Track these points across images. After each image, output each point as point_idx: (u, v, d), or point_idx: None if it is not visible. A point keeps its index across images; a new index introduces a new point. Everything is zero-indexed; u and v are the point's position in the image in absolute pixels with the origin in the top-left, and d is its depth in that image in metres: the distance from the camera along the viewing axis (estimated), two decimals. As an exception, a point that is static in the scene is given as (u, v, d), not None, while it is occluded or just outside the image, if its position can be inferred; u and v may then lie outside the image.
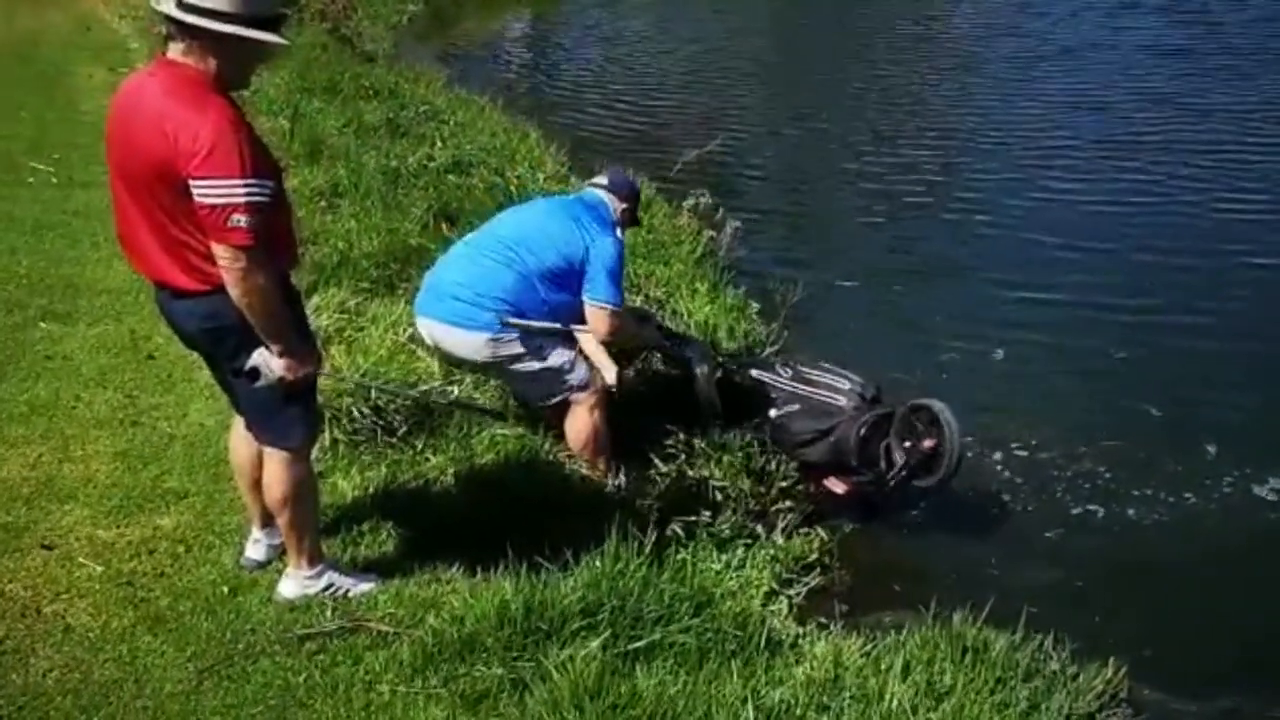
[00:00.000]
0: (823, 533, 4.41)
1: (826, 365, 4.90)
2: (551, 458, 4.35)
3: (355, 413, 4.22)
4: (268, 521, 3.45)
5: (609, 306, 4.22)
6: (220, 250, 2.76)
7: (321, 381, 4.22)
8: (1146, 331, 6.20)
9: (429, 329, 4.23)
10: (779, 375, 4.81)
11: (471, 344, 4.09)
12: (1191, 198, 8.08)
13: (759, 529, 4.39)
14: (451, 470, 4.10)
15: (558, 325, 4.18)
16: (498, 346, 4.08)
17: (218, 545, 3.59)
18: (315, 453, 3.99)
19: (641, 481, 4.37)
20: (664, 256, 6.58)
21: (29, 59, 9.44)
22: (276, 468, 3.20)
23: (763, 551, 4.22)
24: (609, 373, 4.33)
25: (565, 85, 12.23)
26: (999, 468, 5.01)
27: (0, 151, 6.84)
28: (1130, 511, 4.71)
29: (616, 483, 4.33)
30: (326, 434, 4.13)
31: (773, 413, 4.70)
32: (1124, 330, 6.20)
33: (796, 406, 4.68)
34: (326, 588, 3.37)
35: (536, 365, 4.15)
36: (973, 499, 4.82)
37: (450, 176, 7.21)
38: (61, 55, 10.05)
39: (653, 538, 3.98)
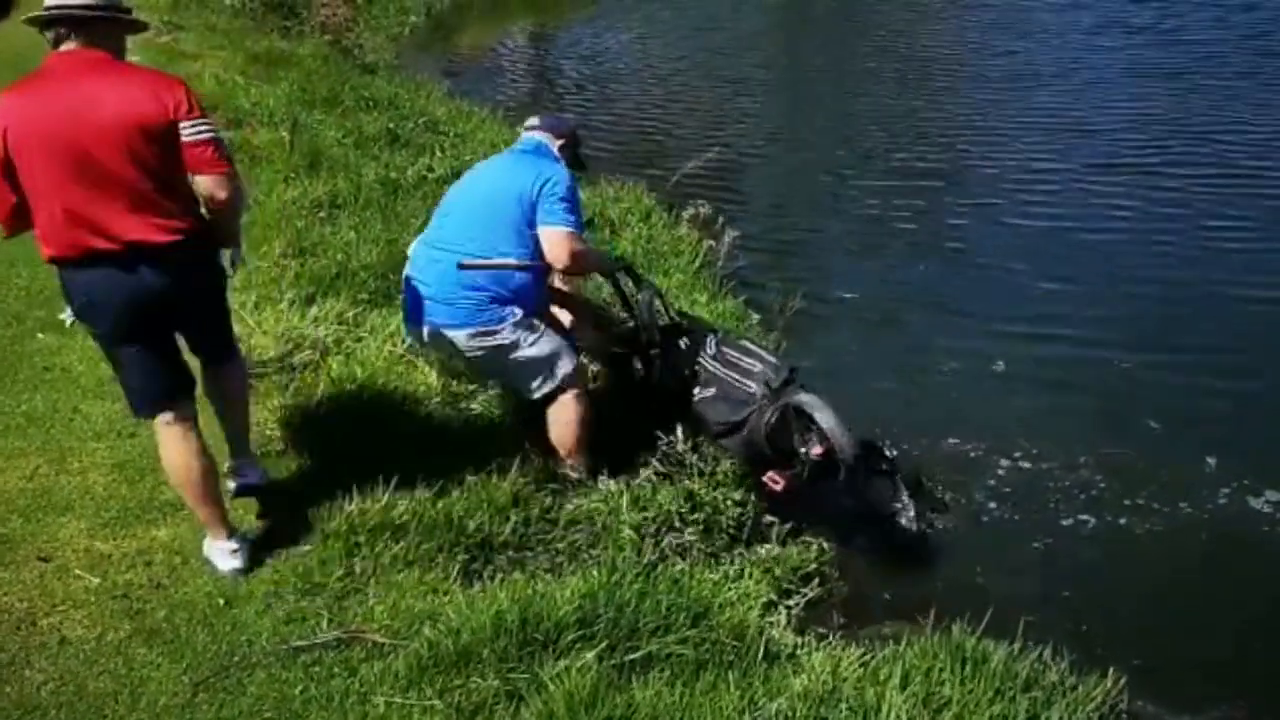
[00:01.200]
0: (820, 542, 4.40)
1: (747, 343, 4.65)
2: (547, 469, 4.33)
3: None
4: (233, 528, 3.62)
5: (564, 228, 4.06)
6: (212, 178, 3.29)
7: (321, 391, 4.28)
8: (1144, 345, 6.17)
9: (417, 336, 4.27)
10: (705, 350, 4.54)
11: (461, 341, 4.10)
12: (1188, 217, 8.01)
13: (753, 537, 4.39)
14: (448, 480, 4.07)
15: (520, 261, 4.06)
16: (485, 339, 4.07)
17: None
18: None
19: (636, 491, 4.35)
20: (663, 266, 6.58)
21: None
22: (231, 374, 3.80)
23: (760, 563, 4.21)
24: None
25: (565, 96, 12.25)
26: (997, 479, 5.00)
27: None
28: (1128, 523, 4.70)
29: (604, 483, 4.30)
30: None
31: (695, 394, 4.45)
32: (1122, 344, 6.18)
33: (713, 391, 4.40)
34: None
35: (530, 353, 4.13)
36: (971, 510, 4.82)
37: (449, 187, 7.21)
38: (63, 68, 10.06)
39: (649, 548, 4.01)
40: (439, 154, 8.03)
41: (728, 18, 15.97)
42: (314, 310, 5.17)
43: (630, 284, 4.73)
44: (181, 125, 3.21)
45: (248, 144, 7.67)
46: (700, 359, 4.52)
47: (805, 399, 4.21)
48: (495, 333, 4.08)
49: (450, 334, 4.11)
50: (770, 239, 7.95)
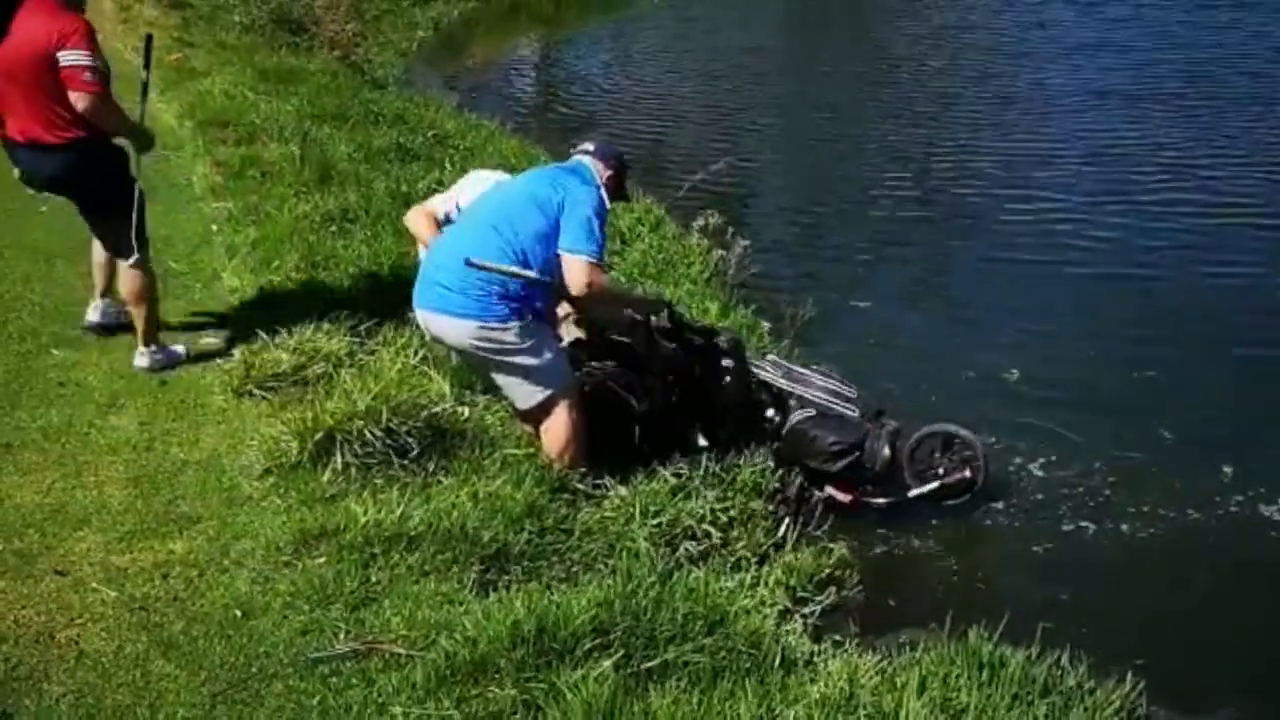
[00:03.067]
0: (835, 547, 4.40)
1: (816, 366, 4.89)
2: (561, 479, 4.33)
3: (368, 435, 4.21)
4: (106, 293, 5.12)
5: (584, 256, 4.01)
6: (75, 94, 4.37)
7: (334, 405, 4.29)
8: (1159, 356, 6.13)
9: (424, 320, 4.28)
10: (772, 373, 4.74)
11: (464, 330, 4.10)
12: (1208, 229, 7.97)
13: (768, 544, 4.39)
14: (463, 491, 4.08)
15: (529, 272, 4.04)
16: (491, 333, 4.07)
17: (230, 570, 3.59)
18: (327, 476, 4.06)
19: (649, 500, 4.35)
20: (673, 276, 6.60)
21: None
22: (127, 276, 4.81)
23: (776, 569, 4.21)
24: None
25: (574, 108, 12.30)
26: (1012, 486, 4.99)
27: (14, 181, 6.86)
28: (1144, 530, 4.68)
29: (617, 492, 4.30)
30: (338, 457, 4.13)
31: (794, 418, 4.63)
32: (1137, 354, 6.16)
33: (813, 413, 4.64)
34: (158, 355, 4.90)
35: (531, 360, 4.15)
36: (988, 516, 4.80)
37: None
38: (74, 86, 10.13)
39: (664, 557, 4.01)
40: (449, 167, 8.07)
41: (737, 30, 16.00)
42: (326, 323, 5.17)
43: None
44: (60, 54, 4.32)
45: (259, 159, 7.70)
46: (768, 379, 4.70)
47: (957, 429, 4.76)
48: (502, 330, 4.08)
49: (457, 324, 4.11)
50: (781, 248, 7.96)
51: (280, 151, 7.90)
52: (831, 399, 4.71)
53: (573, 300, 4.36)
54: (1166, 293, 6.96)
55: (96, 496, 3.96)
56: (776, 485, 4.66)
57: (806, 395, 4.71)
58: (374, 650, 3.23)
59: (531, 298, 4.14)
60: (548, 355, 4.20)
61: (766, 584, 4.11)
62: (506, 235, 4.09)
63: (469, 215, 4.40)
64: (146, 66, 4.94)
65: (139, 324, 4.90)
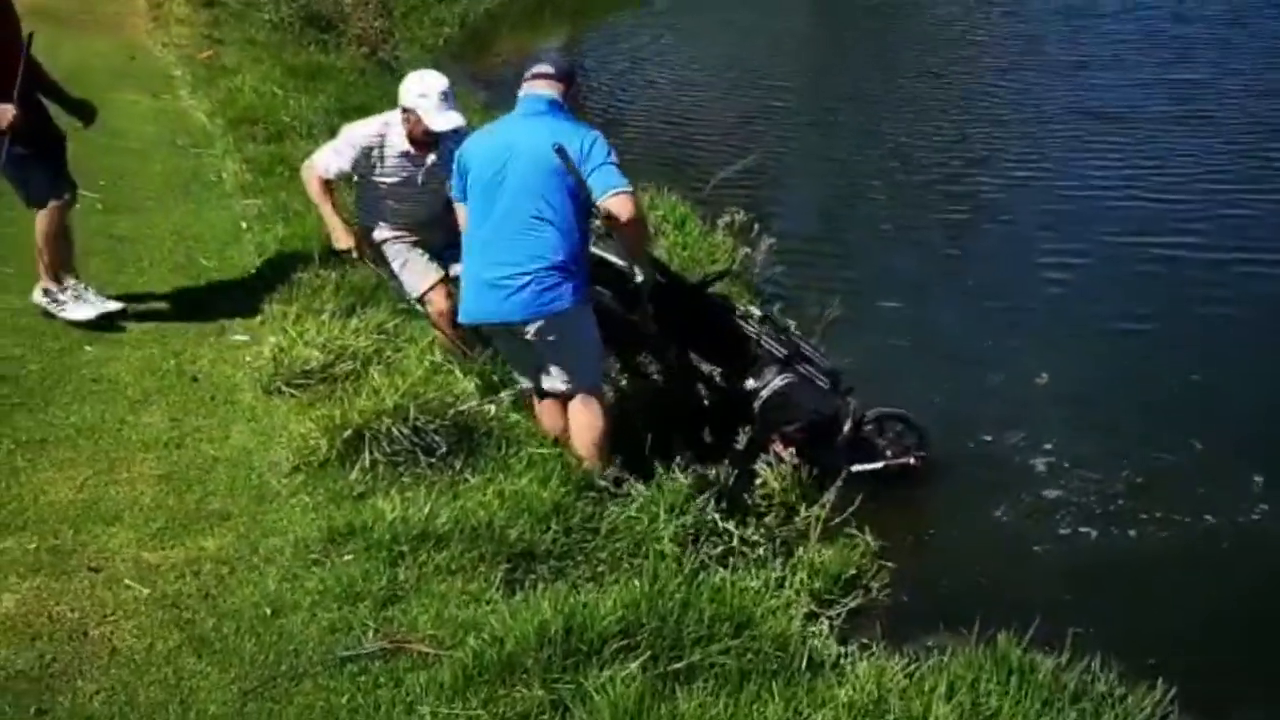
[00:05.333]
0: (859, 545, 4.40)
1: (795, 332, 4.94)
2: (586, 477, 4.34)
3: (395, 433, 4.23)
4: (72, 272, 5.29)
5: (626, 190, 4.09)
6: None
7: (362, 403, 4.31)
8: (1192, 363, 6.04)
9: (494, 330, 4.35)
10: (751, 326, 4.73)
11: (548, 328, 4.16)
12: (1248, 236, 7.80)
13: (793, 541, 4.40)
14: (490, 490, 4.10)
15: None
16: (566, 319, 4.16)
17: (261, 567, 3.62)
18: (355, 474, 4.08)
19: (674, 498, 4.35)
20: (699, 273, 6.58)
21: (75, 86, 9.52)
22: (39, 220, 5.06)
23: (801, 570, 4.20)
24: None
25: (599, 105, 12.26)
26: (1041, 490, 4.97)
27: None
28: (1175, 536, 4.65)
29: (642, 489, 4.32)
30: (366, 455, 4.15)
31: (777, 381, 4.63)
32: (1170, 361, 6.08)
33: (794, 379, 4.65)
34: (52, 299, 5.18)
35: (588, 337, 4.26)
36: (1017, 518, 4.79)
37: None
38: (107, 83, 10.18)
39: (690, 556, 4.01)
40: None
41: (764, 25, 15.93)
42: (354, 321, 5.21)
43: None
44: None
45: (288, 156, 7.74)
46: (767, 346, 4.66)
47: (907, 415, 4.99)
48: (576, 311, 4.17)
49: (539, 324, 4.15)
50: (807, 246, 7.92)
51: (309, 148, 7.92)
52: (807, 366, 4.72)
53: (624, 234, 4.28)
54: (1202, 297, 6.85)
55: (129, 493, 3.99)
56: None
57: (786, 358, 4.70)
58: (402, 649, 3.25)
59: (583, 265, 4.21)
60: (595, 334, 4.30)
61: (792, 584, 4.11)
62: (549, 216, 4.10)
63: (500, 207, 4.17)
64: (23, 64, 4.80)
65: (41, 261, 5.13)
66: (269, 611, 3.41)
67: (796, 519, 4.53)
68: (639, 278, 4.45)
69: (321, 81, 10.11)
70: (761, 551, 4.26)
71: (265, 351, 4.94)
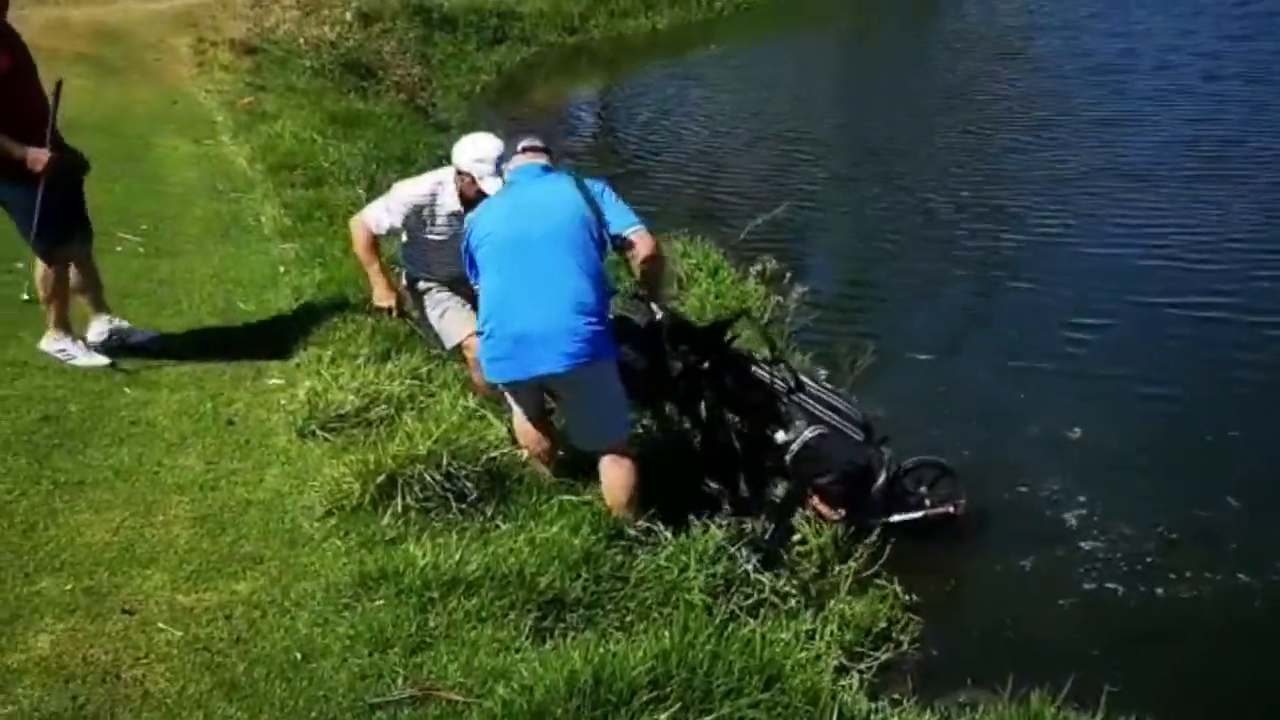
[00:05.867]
0: (890, 597, 4.37)
1: (824, 383, 4.95)
2: (617, 524, 4.34)
3: (428, 478, 4.26)
4: (100, 309, 5.57)
5: (642, 227, 4.30)
6: None
7: (395, 448, 4.34)
8: (1228, 418, 5.94)
9: (524, 385, 4.29)
10: (781, 379, 4.70)
11: (588, 377, 4.16)
12: None
13: (823, 592, 4.38)
14: (521, 537, 4.11)
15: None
16: (606, 368, 4.19)
17: (292, 611, 3.64)
18: (387, 519, 4.11)
19: (704, 547, 4.34)
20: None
21: (118, 133, 9.83)
22: (37, 267, 5.17)
23: (832, 621, 4.18)
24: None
25: (633, 153, 12.40)
26: (1076, 542, 4.91)
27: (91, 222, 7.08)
28: (1212, 593, 4.57)
29: (672, 539, 4.31)
30: (399, 500, 4.18)
31: (808, 433, 4.59)
32: (1206, 416, 5.99)
33: (825, 431, 4.61)
34: (61, 350, 5.28)
35: (618, 389, 4.27)
36: (1049, 572, 4.73)
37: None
38: (149, 128, 10.45)
39: (722, 606, 4.00)
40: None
41: (793, 77, 16.09)
42: (389, 366, 5.27)
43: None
44: None
45: (326, 202, 7.87)
46: (790, 398, 4.63)
47: (945, 463, 4.97)
48: (606, 357, 4.18)
49: (576, 371, 4.12)
50: (839, 294, 7.93)
51: (347, 194, 8.08)
52: (838, 418, 4.69)
53: (647, 267, 4.41)
54: (1233, 357, 6.72)
55: (164, 535, 4.03)
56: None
57: (818, 412, 4.67)
58: (431, 696, 3.25)
59: (607, 295, 4.26)
60: (621, 388, 4.31)
61: (822, 636, 4.08)
62: (584, 266, 4.14)
63: (524, 262, 4.18)
64: (54, 107, 4.95)
65: (49, 312, 5.28)
66: (300, 657, 3.42)
67: (829, 572, 4.50)
68: (658, 314, 4.51)
69: (360, 128, 10.29)
70: (792, 603, 4.24)
71: (300, 395, 4.99)
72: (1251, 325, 7.15)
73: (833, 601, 4.33)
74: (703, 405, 4.71)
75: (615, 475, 4.33)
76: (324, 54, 13.36)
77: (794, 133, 12.56)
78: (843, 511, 4.70)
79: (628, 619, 3.83)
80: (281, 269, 6.83)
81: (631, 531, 4.31)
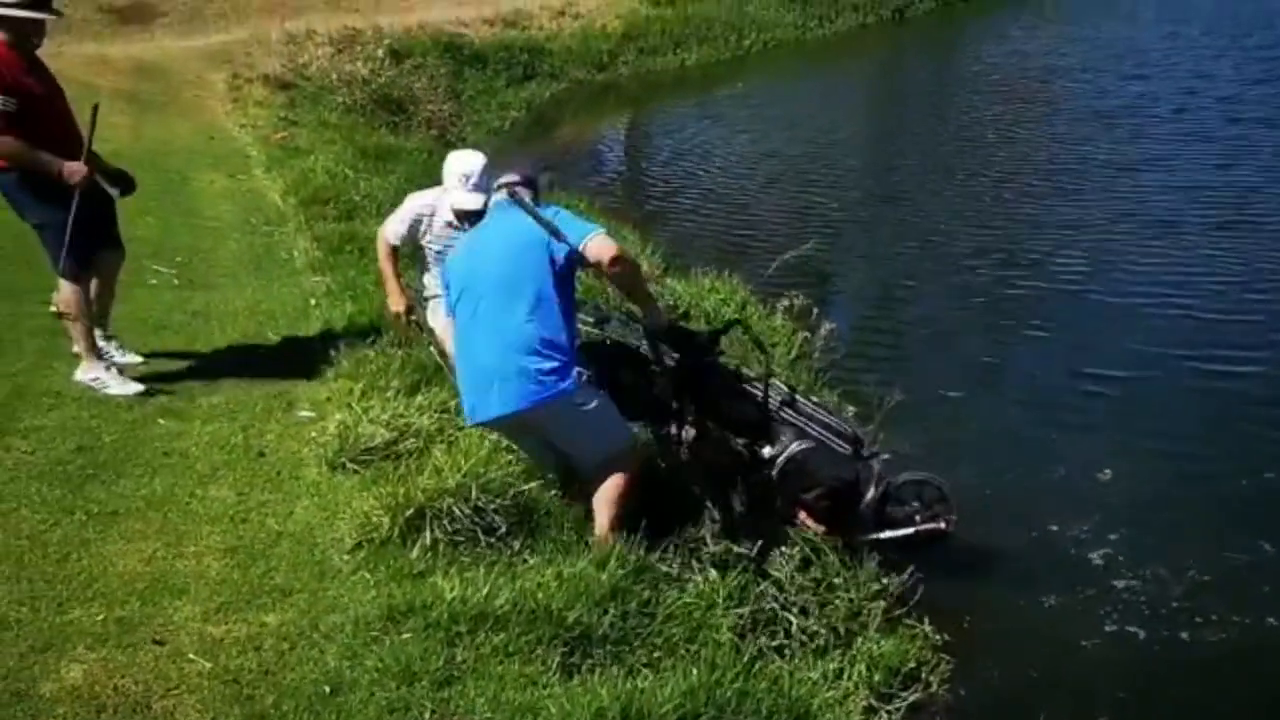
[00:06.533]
0: (920, 637, 4.33)
1: (813, 398, 4.97)
2: (645, 560, 4.34)
3: (457, 512, 4.27)
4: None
5: (596, 231, 4.14)
6: None
7: (425, 481, 4.36)
8: (1259, 463, 5.89)
9: (503, 422, 4.24)
10: (765, 392, 4.69)
11: (554, 410, 4.12)
12: None
13: (851, 630, 4.35)
14: (548, 571, 4.11)
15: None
16: (571, 400, 4.12)
17: (321, 644, 3.65)
18: (416, 552, 4.12)
19: (732, 585, 4.33)
20: (758, 358, 6.60)
21: (156, 167, 9.98)
22: (61, 288, 5.23)
23: (860, 661, 4.15)
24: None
25: (660, 189, 12.48)
26: (1105, 584, 4.87)
27: (126, 255, 7.18)
28: (1240, 637, 4.53)
29: (701, 576, 4.30)
30: (427, 533, 4.19)
31: (794, 446, 4.58)
32: (1233, 462, 5.94)
33: (812, 445, 4.60)
34: (95, 378, 5.36)
35: (599, 404, 4.22)
36: (1079, 613, 4.70)
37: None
38: (186, 163, 10.62)
39: (749, 644, 3.98)
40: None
41: (820, 113, 16.16)
42: (418, 399, 5.29)
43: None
44: None
45: (357, 235, 7.96)
46: (779, 413, 4.64)
47: (935, 479, 4.93)
48: (579, 391, 4.14)
49: (542, 406, 4.11)
50: (867, 331, 7.94)
51: (377, 228, 8.13)
52: (827, 432, 4.68)
53: (614, 274, 4.32)
54: (1262, 403, 6.67)
55: (195, 566, 4.06)
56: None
57: (807, 427, 4.67)
58: (459, 731, 3.25)
59: (576, 352, 4.22)
60: (610, 409, 4.29)
61: (850, 676, 4.06)
62: (537, 297, 4.11)
63: (480, 301, 4.21)
64: (92, 128, 5.13)
65: (74, 335, 5.38)
66: (328, 690, 3.43)
67: (858, 611, 4.47)
68: (653, 321, 4.49)
69: (391, 162, 10.42)
70: (820, 641, 4.22)
71: (330, 428, 5.03)
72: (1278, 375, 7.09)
73: (861, 640, 4.32)
74: (687, 417, 4.70)
75: (607, 475, 4.30)
76: (356, 90, 13.56)
77: (818, 171, 12.60)
78: (822, 525, 4.70)
79: (655, 655, 3.81)
80: (313, 302, 6.90)
81: (599, 527, 4.30)
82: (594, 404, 4.24)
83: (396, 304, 5.41)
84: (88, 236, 5.20)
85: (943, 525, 4.85)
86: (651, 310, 4.48)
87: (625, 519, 4.34)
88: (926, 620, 4.54)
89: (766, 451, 4.63)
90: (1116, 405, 6.66)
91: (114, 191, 5.53)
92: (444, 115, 13.77)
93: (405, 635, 3.69)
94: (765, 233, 10.32)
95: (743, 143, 14.36)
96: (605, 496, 4.33)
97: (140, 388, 5.44)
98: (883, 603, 4.50)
